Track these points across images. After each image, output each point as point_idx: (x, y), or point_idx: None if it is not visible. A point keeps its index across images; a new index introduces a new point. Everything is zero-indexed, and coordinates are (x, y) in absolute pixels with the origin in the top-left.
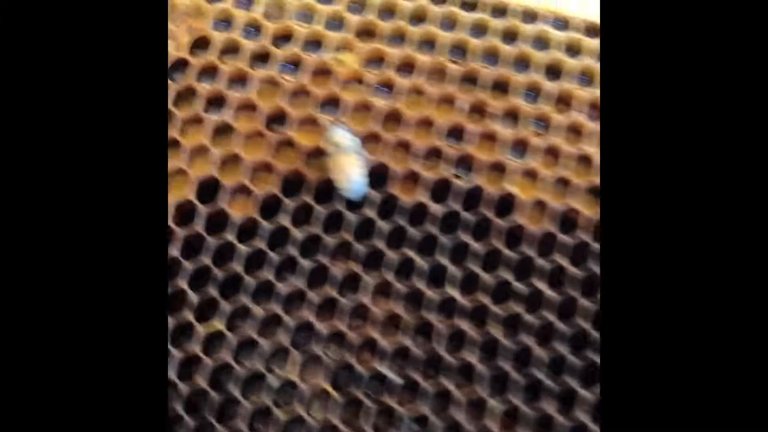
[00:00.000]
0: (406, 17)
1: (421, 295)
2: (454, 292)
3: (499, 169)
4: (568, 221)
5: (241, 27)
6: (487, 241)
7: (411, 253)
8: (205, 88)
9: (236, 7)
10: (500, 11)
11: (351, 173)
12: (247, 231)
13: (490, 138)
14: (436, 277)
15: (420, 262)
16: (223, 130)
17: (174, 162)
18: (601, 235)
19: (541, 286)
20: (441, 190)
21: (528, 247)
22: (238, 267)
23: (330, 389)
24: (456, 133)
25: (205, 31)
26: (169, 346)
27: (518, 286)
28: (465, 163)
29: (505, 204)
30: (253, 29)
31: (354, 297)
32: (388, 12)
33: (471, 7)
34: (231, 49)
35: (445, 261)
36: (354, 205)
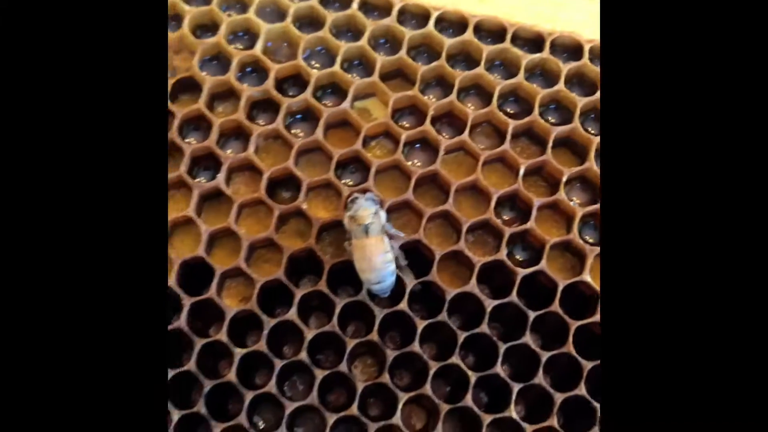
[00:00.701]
0: (448, 56)
1: None
2: None
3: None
4: None
5: (238, 67)
6: None
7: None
8: (191, 144)
9: (232, 42)
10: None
11: (376, 260)
12: (244, 327)
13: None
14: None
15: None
16: (213, 198)
17: None
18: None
19: None
20: (492, 274)
21: None
22: (231, 376)
23: None
24: (511, 203)
25: (192, 70)
26: None
27: None
28: (522, 240)
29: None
30: (253, 70)
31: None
32: (425, 49)
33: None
34: (225, 95)
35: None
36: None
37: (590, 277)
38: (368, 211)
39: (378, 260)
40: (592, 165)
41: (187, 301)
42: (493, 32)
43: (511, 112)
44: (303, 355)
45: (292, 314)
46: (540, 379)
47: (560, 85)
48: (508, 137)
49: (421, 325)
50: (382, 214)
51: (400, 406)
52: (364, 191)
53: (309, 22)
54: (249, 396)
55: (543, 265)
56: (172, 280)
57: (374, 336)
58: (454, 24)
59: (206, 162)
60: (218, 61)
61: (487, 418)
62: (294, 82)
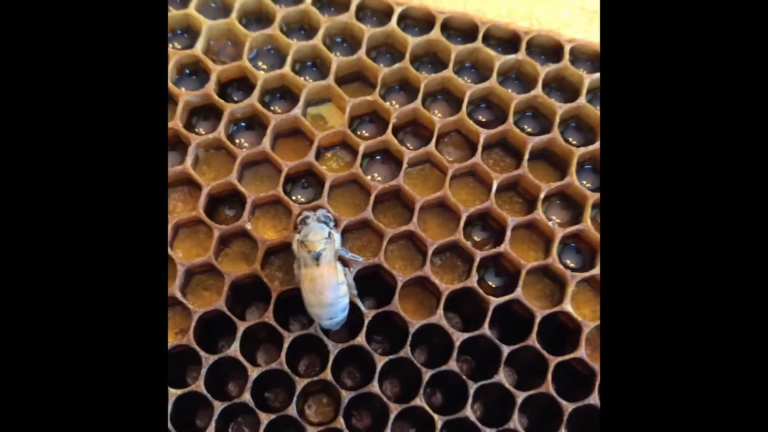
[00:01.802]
0: (412, 57)
1: None
2: None
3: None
4: None
5: (176, 68)
6: None
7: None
8: None
9: (170, 40)
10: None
11: (327, 295)
12: (181, 364)
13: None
14: None
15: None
16: None
17: None
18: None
19: None
20: (462, 302)
21: None
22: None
23: None
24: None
25: None
26: None
27: None
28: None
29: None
30: (193, 72)
31: None
32: (387, 49)
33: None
34: None
35: None
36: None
37: (571, 307)
38: (320, 234)
39: (329, 295)
40: (574, 180)
41: None
42: (462, 30)
43: (483, 119)
44: (246, 397)
45: (235, 350)
46: (515, 422)
47: (538, 90)
48: (480, 148)
49: (380, 361)
50: (336, 237)
51: None
52: (316, 209)
53: (257, 18)
54: None
55: (518, 292)
56: None
57: (327, 374)
58: (419, 21)
59: None
60: None
61: None
62: (239, 85)
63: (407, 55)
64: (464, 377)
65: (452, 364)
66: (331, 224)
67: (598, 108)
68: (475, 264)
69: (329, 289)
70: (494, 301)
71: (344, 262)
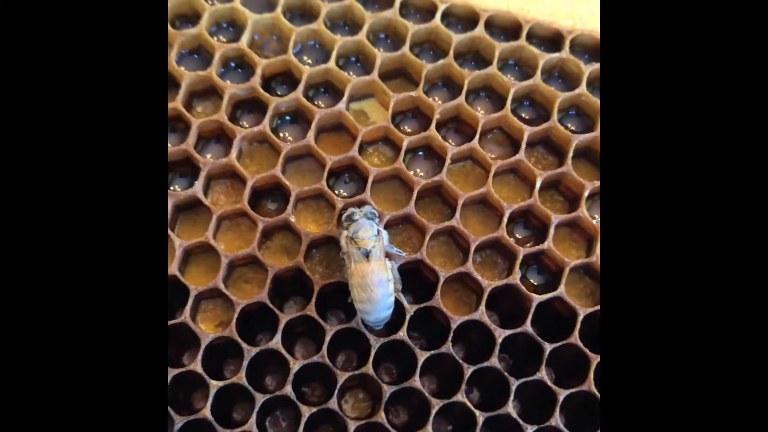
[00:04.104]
0: (455, 54)
1: None
2: None
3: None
4: None
5: (221, 61)
6: None
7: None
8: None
9: (214, 34)
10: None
11: (378, 292)
12: (221, 356)
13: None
14: None
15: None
16: (190, 208)
17: None
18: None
19: None
20: (500, 299)
21: None
22: (205, 411)
23: None
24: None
25: (169, 65)
26: None
27: None
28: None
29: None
30: (238, 65)
31: None
32: (430, 46)
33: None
34: (205, 93)
35: None
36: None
37: None
38: (369, 231)
39: (380, 292)
40: None
41: None
42: (506, 28)
43: (527, 117)
44: (287, 389)
45: (276, 342)
46: (556, 420)
47: (581, 89)
48: (523, 145)
49: (422, 356)
50: (385, 234)
51: None
52: (360, 204)
53: (301, 13)
54: None
55: (561, 290)
56: None
57: (368, 368)
58: (462, 19)
59: (182, 168)
60: (199, 54)
61: None
62: (283, 79)
63: (451, 52)
64: (506, 374)
65: (494, 361)
66: (377, 221)
67: None
68: (518, 261)
69: (379, 285)
70: (537, 299)
71: (388, 256)
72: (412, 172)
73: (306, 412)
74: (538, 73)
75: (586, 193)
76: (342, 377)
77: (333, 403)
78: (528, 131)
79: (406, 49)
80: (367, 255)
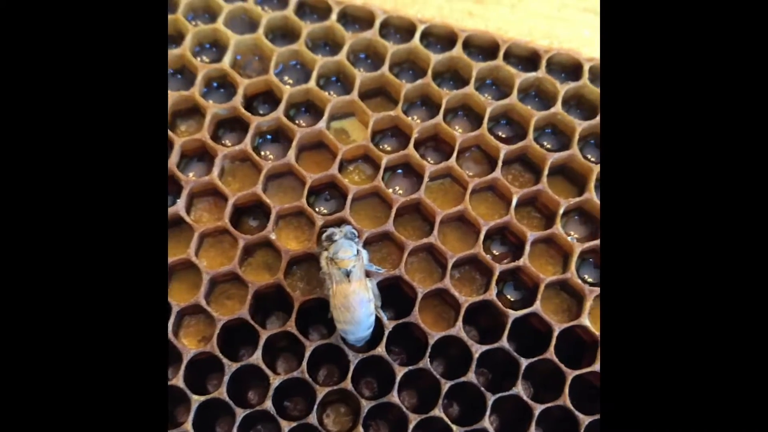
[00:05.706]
0: (434, 74)
1: None
2: None
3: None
4: None
5: (204, 81)
6: None
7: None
8: None
9: (197, 54)
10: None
11: (360, 313)
12: (203, 371)
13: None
14: None
15: None
16: (172, 226)
17: None
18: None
19: None
20: (478, 315)
21: None
22: (187, 426)
23: None
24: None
25: None
26: None
27: None
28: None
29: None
30: (221, 85)
31: None
32: (410, 65)
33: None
34: (188, 112)
35: None
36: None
37: (589, 321)
38: (349, 252)
39: (362, 312)
40: (592, 196)
41: None
42: (484, 48)
43: (503, 135)
44: (268, 404)
45: (257, 358)
46: None
47: (557, 108)
48: (500, 163)
49: (400, 371)
50: (364, 254)
51: None
52: (340, 223)
53: (283, 33)
54: None
55: (537, 306)
56: None
57: (347, 384)
58: (441, 39)
59: None
60: (182, 74)
61: None
62: (265, 99)
63: (429, 72)
64: (482, 389)
65: (471, 376)
66: (356, 240)
67: None
68: (495, 277)
69: (360, 306)
70: (513, 314)
71: (366, 273)
72: (391, 190)
73: (286, 426)
74: (515, 92)
75: (561, 210)
76: (321, 392)
77: (312, 418)
78: (504, 149)
79: (385, 69)
80: (347, 275)
